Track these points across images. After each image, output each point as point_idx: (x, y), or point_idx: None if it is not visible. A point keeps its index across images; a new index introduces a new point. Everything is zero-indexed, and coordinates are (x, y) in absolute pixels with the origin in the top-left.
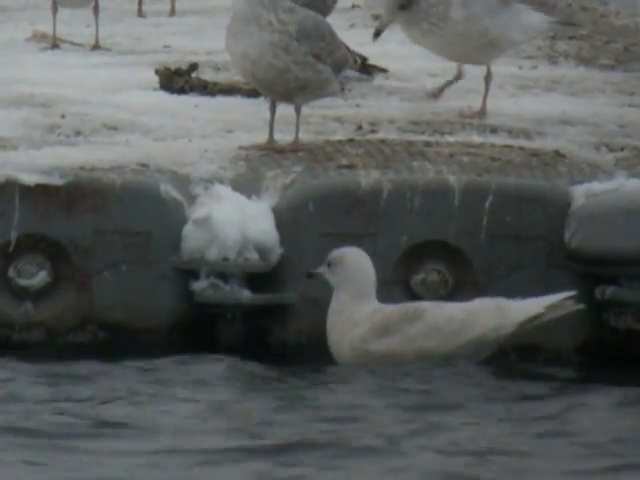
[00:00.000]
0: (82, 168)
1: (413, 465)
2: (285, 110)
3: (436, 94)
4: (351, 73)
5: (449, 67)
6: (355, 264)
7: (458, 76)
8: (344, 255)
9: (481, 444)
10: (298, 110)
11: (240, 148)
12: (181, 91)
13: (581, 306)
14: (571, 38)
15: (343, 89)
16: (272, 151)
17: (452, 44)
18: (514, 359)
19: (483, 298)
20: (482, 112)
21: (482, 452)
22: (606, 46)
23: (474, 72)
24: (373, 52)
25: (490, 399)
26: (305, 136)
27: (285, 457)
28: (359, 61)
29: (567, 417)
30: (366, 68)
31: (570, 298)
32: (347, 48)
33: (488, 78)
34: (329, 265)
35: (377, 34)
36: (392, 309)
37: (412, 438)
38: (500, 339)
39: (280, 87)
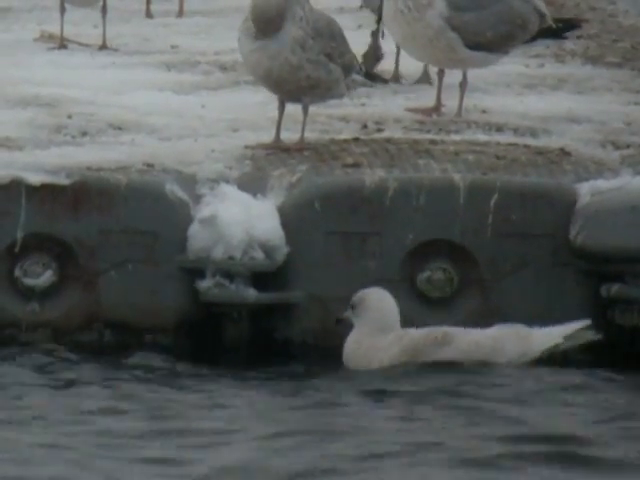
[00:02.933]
0: (88, 168)
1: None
2: (292, 109)
3: (437, 106)
4: (357, 78)
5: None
6: (375, 303)
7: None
8: (365, 297)
9: (483, 447)
10: (305, 109)
11: (246, 147)
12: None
13: (599, 336)
14: (579, 37)
15: (349, 90)
16: (278, 150)
17: (416, 39)
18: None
19: (502, 325)
20: (458, 114)
21: (484, 457)
22: (613, 45)
23: (478, 71)
24: None
25: (491, 398)
26: (311, 135)
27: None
28: (363, 69)
29: (573, 415)
30: (371, 76)
31: (587, 328)
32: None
33: (463, 84)
34: (352, 308)
35: None
36: (420, 333)
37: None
38: (521, 365)
39: (291, 85)
